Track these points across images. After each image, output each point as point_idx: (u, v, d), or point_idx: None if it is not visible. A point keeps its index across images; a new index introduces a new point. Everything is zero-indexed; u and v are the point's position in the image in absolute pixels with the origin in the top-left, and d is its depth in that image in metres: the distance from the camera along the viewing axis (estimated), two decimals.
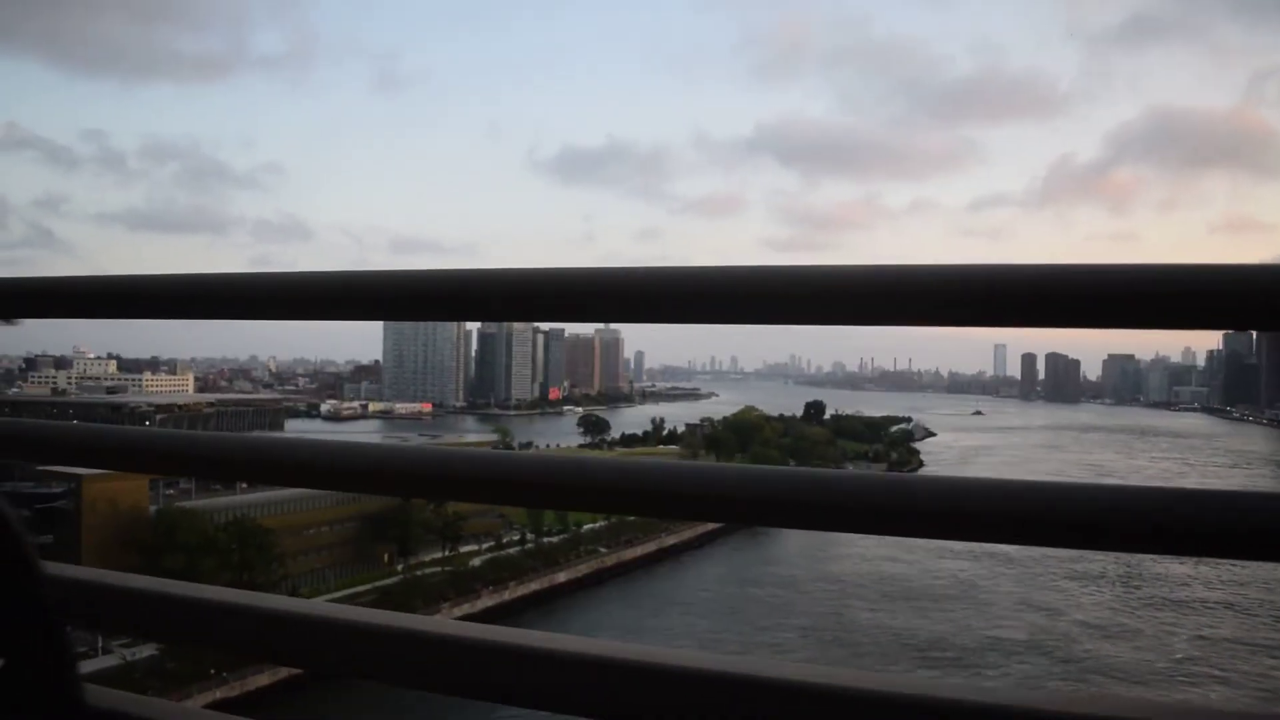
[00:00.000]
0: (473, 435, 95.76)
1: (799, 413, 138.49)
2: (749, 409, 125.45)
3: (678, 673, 1.53)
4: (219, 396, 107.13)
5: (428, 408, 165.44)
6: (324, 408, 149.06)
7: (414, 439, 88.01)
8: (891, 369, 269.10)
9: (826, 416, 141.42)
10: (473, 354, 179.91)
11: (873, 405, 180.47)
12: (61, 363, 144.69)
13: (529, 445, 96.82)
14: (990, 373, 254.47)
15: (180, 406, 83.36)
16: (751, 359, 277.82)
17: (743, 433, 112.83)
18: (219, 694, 46.37)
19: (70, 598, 2.16)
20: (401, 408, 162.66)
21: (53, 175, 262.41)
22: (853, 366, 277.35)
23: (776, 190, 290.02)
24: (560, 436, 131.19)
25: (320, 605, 2.05)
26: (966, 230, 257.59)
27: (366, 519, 66.65)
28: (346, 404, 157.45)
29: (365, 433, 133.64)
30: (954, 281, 1.53)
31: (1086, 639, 58.69)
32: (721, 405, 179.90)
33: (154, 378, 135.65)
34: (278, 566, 58.62)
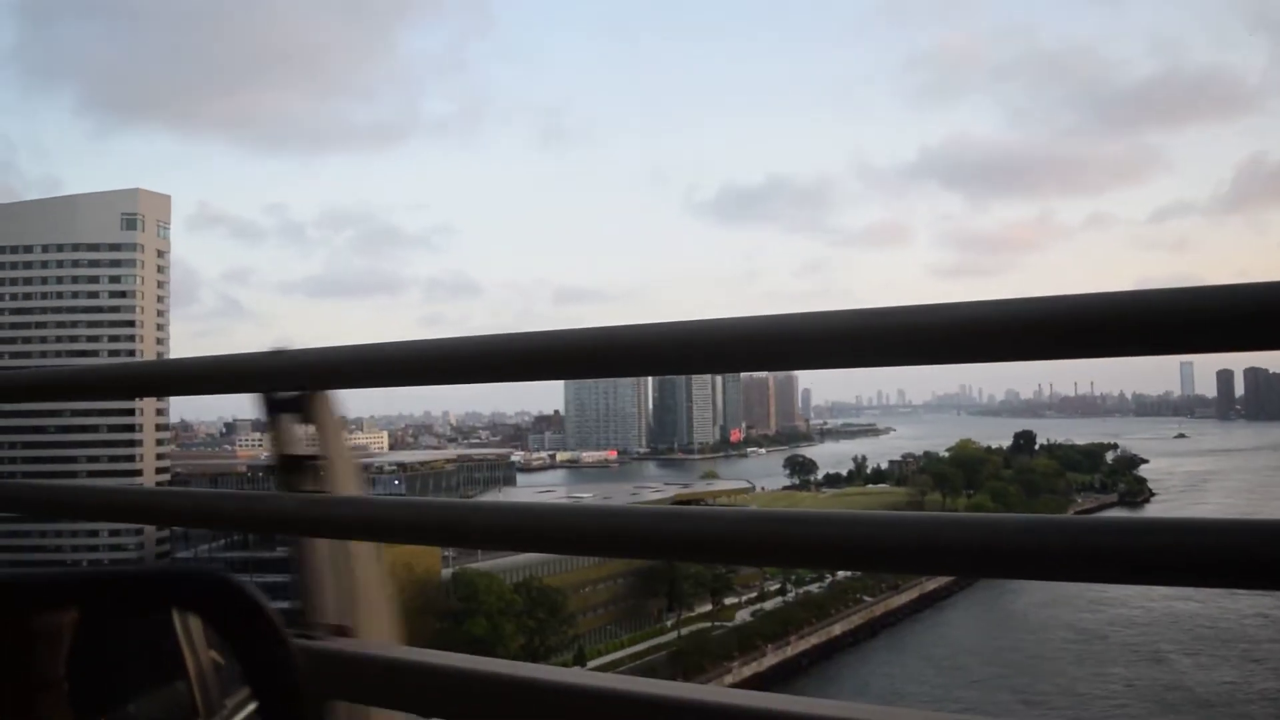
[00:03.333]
0: (718, 484, 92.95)
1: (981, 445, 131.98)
2: (967, 442, 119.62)
3: None
4: (459, 453, 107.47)
5: (613, 455, 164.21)
6: (514, 459, 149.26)
7: (650, 492, 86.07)
8: (1073, 394, 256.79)
9: (1037, 446, 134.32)
10: (651, 400, 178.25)
11: (1060, 433, 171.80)
12: (260, 426, 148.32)
13: (750, 489, 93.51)
14: (1178, 392, 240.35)
15: (421, 464, 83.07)
16: (919, 392, 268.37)
17: (968, 468, 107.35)
18: None
19: (340, 671, 2.31)
20: (588, 456, 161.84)
21: (239, 249, 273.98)
22: (1027, 394, 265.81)
23: (942, 215, 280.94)
24: (764, 478, 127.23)
25: (610, 679, 2.18)
26: (1148, 243, 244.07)
27: (636, 574, 64.49)
28: (535, 455, 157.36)
29: (555, 484, 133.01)
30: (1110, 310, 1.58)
31: None
32: (903, 440, 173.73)
33: (349, 437, 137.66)
34: (568, 628, 56.76)
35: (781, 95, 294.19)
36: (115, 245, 77.45)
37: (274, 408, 2.89)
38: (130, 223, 77.50)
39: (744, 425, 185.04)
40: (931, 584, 75.53)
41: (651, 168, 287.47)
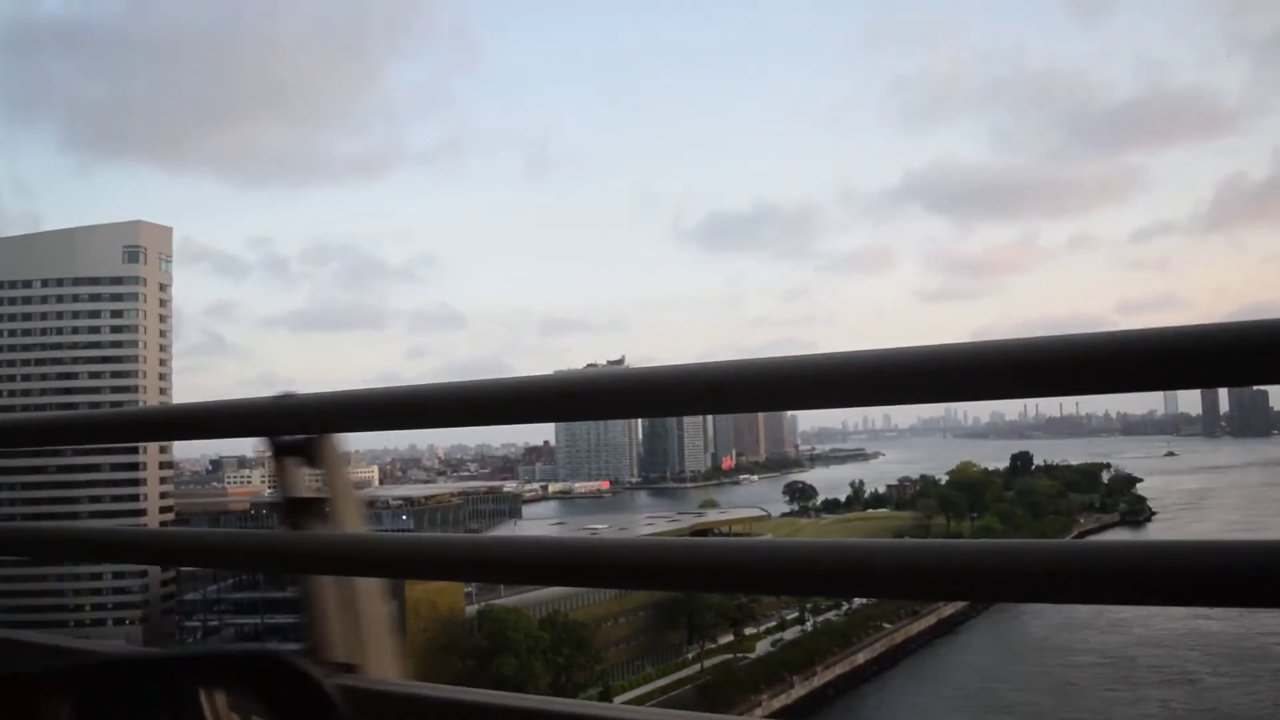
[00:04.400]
0: (733, 512, 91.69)
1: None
2: (967, 464, 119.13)
3: None
4: (463, 487, 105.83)
5: (606, 485, 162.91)
6: (516, 492, 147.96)
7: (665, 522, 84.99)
8: (1058, 415, 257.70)
9: (1033, 468, 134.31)
10: (641, 429, 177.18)
11: (1048, 454, 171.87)
12: (245, 462, 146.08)
13: (765, 515, 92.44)
14: (1161, 411, 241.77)
15: (427, 499, 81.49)
16: (905, 415, 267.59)
17: (971, 490, 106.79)
18: None
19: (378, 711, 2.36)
20: (580, 487, 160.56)
21: (223, 283, 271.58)
22: (1012, 416, 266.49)
23: (927, 239, 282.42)
24: (765, 505, 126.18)
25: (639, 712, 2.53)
26: (1131, 263, 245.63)
27: (657, 606, 63.13)
28: (528, 487, 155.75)
29: (558, 515, 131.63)
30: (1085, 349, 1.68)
31: None
32: (894, 464, 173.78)
33: (353, 478, 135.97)
34: (595, 664, 55.33)
35: (768, 122, 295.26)
36: (117, 279, 75.63)
37: (280, 451, 2.99)
38: (133, 255, 75.70)
39: (734, 452, 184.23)
40: (949, 609, 74.60)
41: (638, 197, 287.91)
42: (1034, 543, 1.66)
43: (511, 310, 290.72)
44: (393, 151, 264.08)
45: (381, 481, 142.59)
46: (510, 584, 51.26)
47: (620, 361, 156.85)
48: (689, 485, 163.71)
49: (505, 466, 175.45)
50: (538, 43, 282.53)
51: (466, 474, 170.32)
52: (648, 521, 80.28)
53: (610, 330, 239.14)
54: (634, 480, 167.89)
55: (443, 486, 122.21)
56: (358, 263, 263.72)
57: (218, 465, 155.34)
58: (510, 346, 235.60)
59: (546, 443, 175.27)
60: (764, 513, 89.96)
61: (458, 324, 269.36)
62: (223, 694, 1.32)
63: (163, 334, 78.10)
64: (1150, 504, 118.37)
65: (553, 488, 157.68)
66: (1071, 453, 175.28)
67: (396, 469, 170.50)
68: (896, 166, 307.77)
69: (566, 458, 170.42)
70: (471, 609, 55.39)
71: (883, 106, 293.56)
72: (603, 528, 73.16)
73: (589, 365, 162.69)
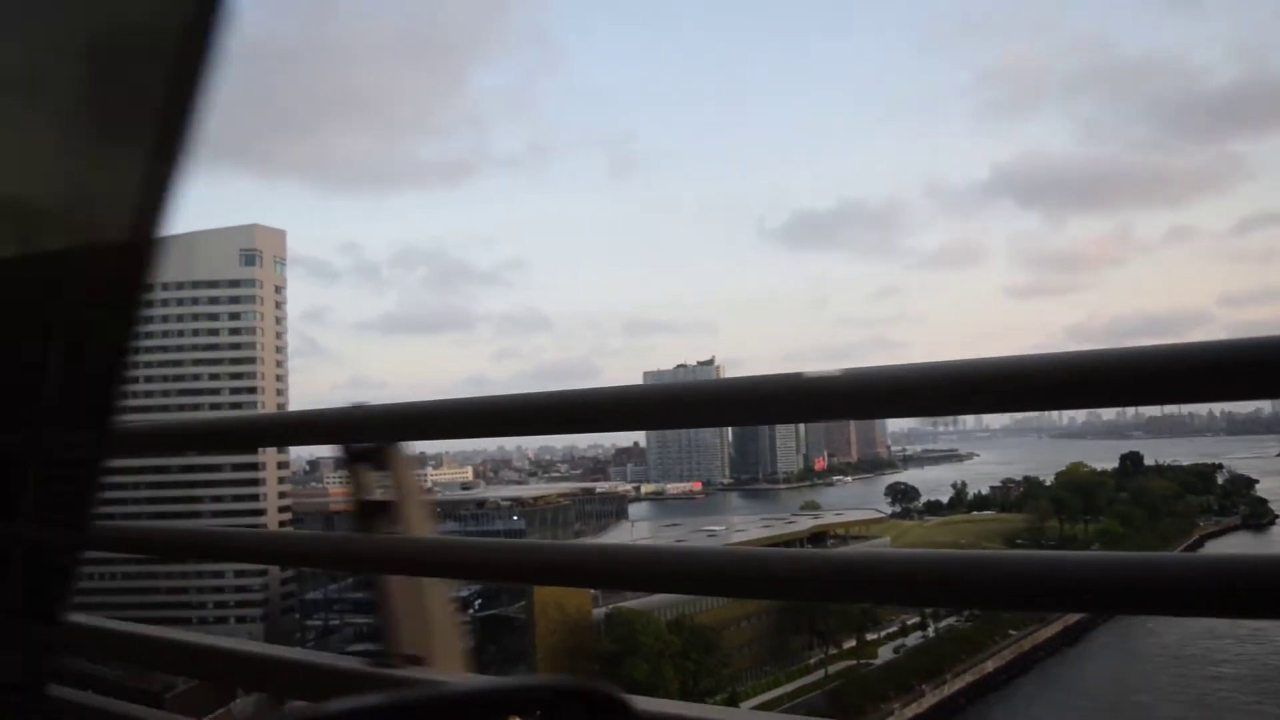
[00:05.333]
0: (849, 514, 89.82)
1: (1058, 470, 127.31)
2: (1077, 464, 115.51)
3: None
4: (560, 488, 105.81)
5: (698, 486, 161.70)
6: (612, 491, 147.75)
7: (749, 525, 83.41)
8: (1159, 414, 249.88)
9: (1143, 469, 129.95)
10: (731, 430, 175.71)
11: (1151, 455, 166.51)
12: (339, 464, 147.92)
13: (883, 517, 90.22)
14: (1269, 409, 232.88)
15: (535, 499, 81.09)
16: (996, 415, 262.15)
17: (1083, 492, 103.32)
18: None
19: None
20: (673, 488, 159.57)
21: (316, 289, 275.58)
22: (1110, 415, 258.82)
23: (1017, 233, 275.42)
24: (864, 507, 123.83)
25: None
26: (1233, 255, 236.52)
27: (780, 610, 61.57)
28: (619, 487, 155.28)
29: (646, 518, 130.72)
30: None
31: None
32: (990, 466, 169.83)
33: (435, 471, 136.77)
34: (723, 669, 54.06)
35: (850, 118, 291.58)
36: (234, 281, 76.58)
37: (352, 458, 3.26)
38: (249, 258, 76.56)
39: (826, 453, 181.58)
40: (1074, 615, 71.93)
41: (721, 196, 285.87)
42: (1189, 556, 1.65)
43: (597, 312, 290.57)
44: (478, 156, 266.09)
45: (477, 479, 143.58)
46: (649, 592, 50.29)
47: (710, 363, 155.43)
48: (782, 486, 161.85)
49: (596, 468, 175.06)
50: (619, 44, 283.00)
51: (557, 475, 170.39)
52: (764, 524, 78.70)
53: (697, 331, 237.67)
54: (726, 481, 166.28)
55: (537, 488, 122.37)
56: (445, 267, 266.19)
57: (315, 465, 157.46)
58: (597, 348, 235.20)
59: (636, 443, 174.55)
60: (880, 514, 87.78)
61: (544, 326, 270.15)
62: None
63: (279, 336, 78.87)
64: (1272, 506, 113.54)
65: (645, 489, 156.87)
66: (1177, 453, 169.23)
67: (488, 470, 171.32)
68: (983, 160, 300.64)
69: (658, 458, 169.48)
70: (599, 611, 54.55)
71: (967, 99, 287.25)
72: (719, 529, 71.99)
73: (679, 366, 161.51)
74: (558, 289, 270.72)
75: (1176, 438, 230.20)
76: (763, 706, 47.54)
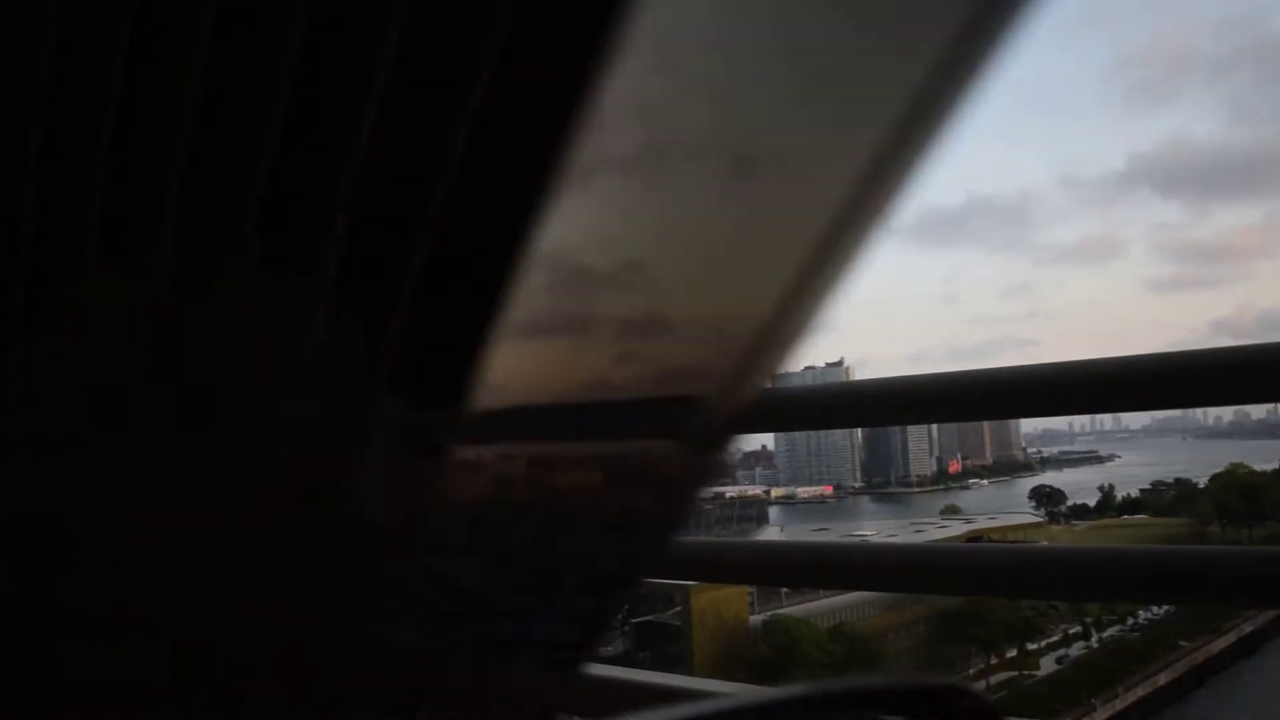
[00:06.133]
0: (1003, 519, 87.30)
1: (1211, 471, 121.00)
2: (1238, 465, 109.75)
3: None
4: (713, 490, 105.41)
5: (829, 490, 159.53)
6: (728, 496, 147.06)
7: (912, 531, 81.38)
8: None
9: None
10: (862, 431, 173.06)
11: None
12: None
13: (1042, 522, 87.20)
14: None
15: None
16: (1136, 415, 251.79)
17: (1248, 494, 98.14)
18: None
19: None
20: (803, 492, 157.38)
21: None
22: (1259, 413, 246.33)
23: (1157, 225, 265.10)
24: (1002, 511, 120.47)
25: None
26: None
27: (938, 618, 59.86)
28: (749, 491, 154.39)
29: (784, 523, 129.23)
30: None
31: None
32: (1133, 467, 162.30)
33: None
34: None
35: (978, 109, 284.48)
36: None
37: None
38: None
39: (959, 456, 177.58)
40: (1249, 626, 68.24)
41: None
42: None
43: (717, 315, 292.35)
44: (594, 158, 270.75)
45: None
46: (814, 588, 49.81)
47: (839, 364, 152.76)
48: (915, 490, 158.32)
49: (724, 472, 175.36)
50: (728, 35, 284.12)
51: None
52: (915, 528, 76.72)
53: (823, 330, 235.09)
54: (856, 485, 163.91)
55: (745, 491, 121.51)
56: (561, 269, 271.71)
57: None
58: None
59: (764, 447, 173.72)
60: (1038, 517, 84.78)
61: (663, 329, 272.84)
62: None
63: None
64: None
65: (775, 492, 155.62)
66: None
67: None
68: (1121, 149, 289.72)
69: (786, 462, 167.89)
70: (756, 618, 53.66)
71: (1104, 85, 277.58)
72: (870, 534, 70.41)
73: (806, 368, 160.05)
74: (679, 290, 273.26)
75: None
76: None
